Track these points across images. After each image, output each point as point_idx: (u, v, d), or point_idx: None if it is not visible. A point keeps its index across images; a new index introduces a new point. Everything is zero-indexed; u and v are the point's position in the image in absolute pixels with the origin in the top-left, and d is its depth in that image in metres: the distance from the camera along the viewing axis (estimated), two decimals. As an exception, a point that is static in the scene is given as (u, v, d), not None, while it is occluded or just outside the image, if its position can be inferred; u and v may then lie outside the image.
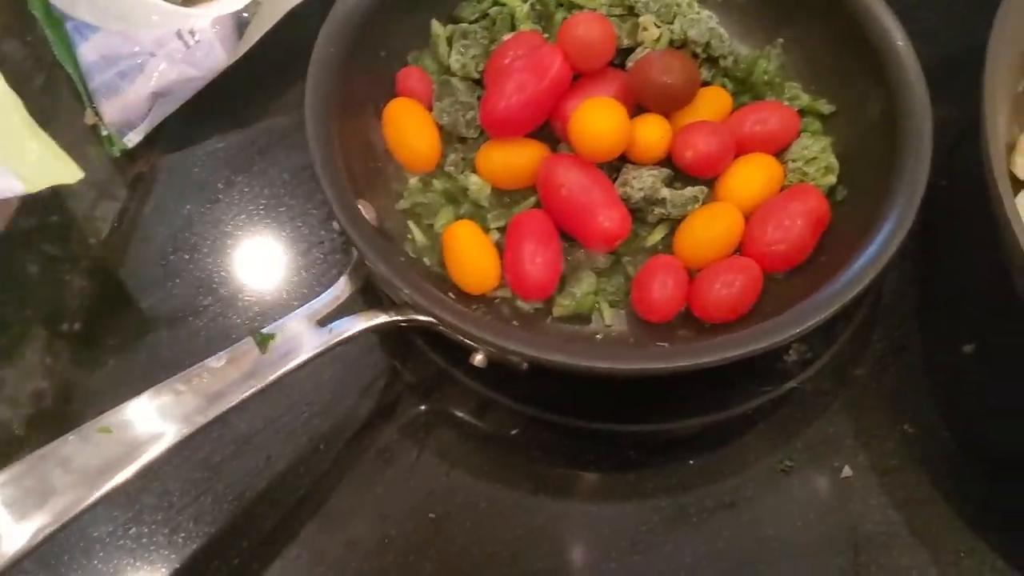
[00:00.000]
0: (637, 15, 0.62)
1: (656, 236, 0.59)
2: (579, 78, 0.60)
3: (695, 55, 0.62)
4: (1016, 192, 0.59)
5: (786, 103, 0.63)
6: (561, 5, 0.65)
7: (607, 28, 0.59)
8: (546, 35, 0.63)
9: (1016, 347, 0.58)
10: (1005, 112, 0.60)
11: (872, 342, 0.60)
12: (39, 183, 0.56)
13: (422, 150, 0.61)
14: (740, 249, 0.58)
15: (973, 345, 0.60)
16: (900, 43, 0.59)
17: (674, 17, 0.62)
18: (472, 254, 0.57)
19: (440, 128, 0.62)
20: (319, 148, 0.55)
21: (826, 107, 0.63)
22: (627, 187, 0.58)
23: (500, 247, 0.58)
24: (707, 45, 0.62)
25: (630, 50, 0.62)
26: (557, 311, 0.57)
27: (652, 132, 0.59)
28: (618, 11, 0.63)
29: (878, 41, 0.60)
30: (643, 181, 0.58)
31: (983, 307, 0.61)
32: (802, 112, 0.63)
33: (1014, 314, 0.54)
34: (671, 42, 0.62)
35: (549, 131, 0.60)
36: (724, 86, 0.63)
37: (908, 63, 0.59)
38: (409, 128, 0.61)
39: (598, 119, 0.57)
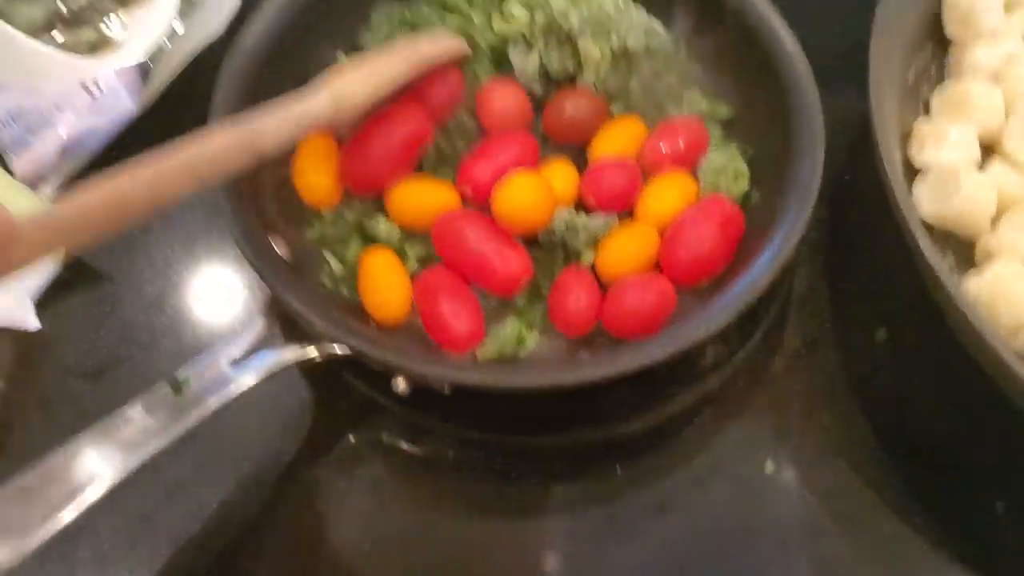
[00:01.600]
0: (573, 39, 0.62)
1: (588, 258, 0.60)
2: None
3: (636, 58, 0.63)
4: (914, 177, 0.61)
5: (686, 107, 0.64)
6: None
7: (522, 98, 0.62)
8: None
9: (927, 331, 0.59)
10: (895, 102, 0.61)
11: (786, 337, 0.61)
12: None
13: (325, 188, 0.60)
14: (659, 265, 0.59)
15: (886, 331, 0.61)
16: (788, 44, 0.61)
17: (609, 31, 0.62)
18: (386, 284, 0.57)
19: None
20: (225, 188, 0.56)
21: (724, 110, 0.64)
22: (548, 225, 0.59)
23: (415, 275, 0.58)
24: (648, 46, 0.63)
25: (577, 73, 0.63)
26: (482, 354, 0.56)
27: (559, 184, 0.60)
28: (555, 40, 0.63)
29: (766, 43, 0.62)
30: (559, 214, 0.59)
31: (893, 294, 0.62)
32: (703, 117, 0.64)
33: (922, 298, 0.56)
34: (614, 56, 0.62)
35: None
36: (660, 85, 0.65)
37: (796, 64, 0.60)
38: (310, 167, 0.60)
39: (525, 196, 0.57)
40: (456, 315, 0.55)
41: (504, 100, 0.62)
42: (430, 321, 0.56)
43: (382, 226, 0.59)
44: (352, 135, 0.59)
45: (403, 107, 0.59)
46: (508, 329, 0.57)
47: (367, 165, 0.58)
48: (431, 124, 0.59)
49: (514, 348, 0.57)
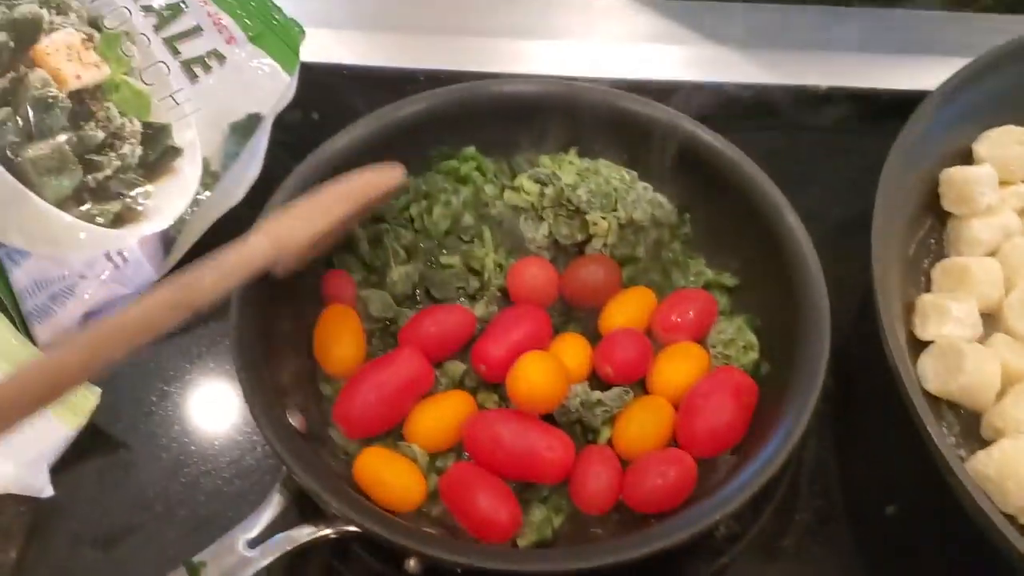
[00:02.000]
0: (584, 212, 0.65)
1: (605, 435, 0.61)
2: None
3: (643, 228, 0.66)
4: (918, 352, 0.62)
5: (691, 277, 0.66)
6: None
7: (551, 274, 0.64)
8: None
9: (936, 504, 0.60)
10: (897, 276, 0.63)
11: (797, 510, 0.61)
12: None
13: (348, 359, 0.62)
14: (675, 438, 0.60)
15: (895, 507, 0.61)
16: (789, 218, 0.63)
17: (616, 204, 0.65)
18: (392, 479, 0.57)
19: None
20: (245, 367, 0.57)
21: (729, 280, 0.66)
22: (564, 402, 0.60)
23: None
24: (654, 217, 0.65)
25: (586, 241, 0.66)
26: (523, 543, 0.57)
27: (572, 360, 0.61)
28: (564, 213, 0.66)
29: (768, 217, 0.64)
30: (574, 391, 0.60)
31: (901, 467, 0.63)
32: (707, 286, 0.66)
33: (930, 471, 0.56)
34: (621, 226, 0.65)
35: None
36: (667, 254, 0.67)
37: (798, 238, 0.62)
38: (333, 340, 0.62)
39: (538, 375, 0.58)
40: (495, 508, 0.56)
41: (534, 277, 0.64)
42: (467, 515, 0.56)
43: (417, 451, 0.59)
44: (350, 379, 0.60)
45: (403, 351, 0.60)
46: (538, 515, 0.57)
47: (365, 412, 0.59)
48: (431, 369, 0.61)
49: (552, 532, 0.58)
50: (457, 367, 0.62)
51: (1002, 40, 0.70)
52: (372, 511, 0.54)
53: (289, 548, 0.53)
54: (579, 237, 0.66)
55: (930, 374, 0.60)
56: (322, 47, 0.80)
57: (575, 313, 0.66)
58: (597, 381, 0.62)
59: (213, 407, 0.66)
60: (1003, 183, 0.68)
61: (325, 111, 0.80)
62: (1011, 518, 0.55)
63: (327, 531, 0.53)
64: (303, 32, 0.73)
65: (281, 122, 0.73)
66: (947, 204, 0.68)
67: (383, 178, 0.62)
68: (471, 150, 0.71)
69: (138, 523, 0.61)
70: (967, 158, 0.70)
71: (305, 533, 0.54)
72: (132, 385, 0.67)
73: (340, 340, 0.62)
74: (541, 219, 0.66)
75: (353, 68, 0.83)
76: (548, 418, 0.60)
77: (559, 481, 0.58)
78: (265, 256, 0.54)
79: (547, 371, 0.59)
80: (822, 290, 0.60)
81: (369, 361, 0.62)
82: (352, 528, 0.53)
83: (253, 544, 0.53)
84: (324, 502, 0.53)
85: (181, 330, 0.67)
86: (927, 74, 0.71)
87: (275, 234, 0.55)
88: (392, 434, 0.60)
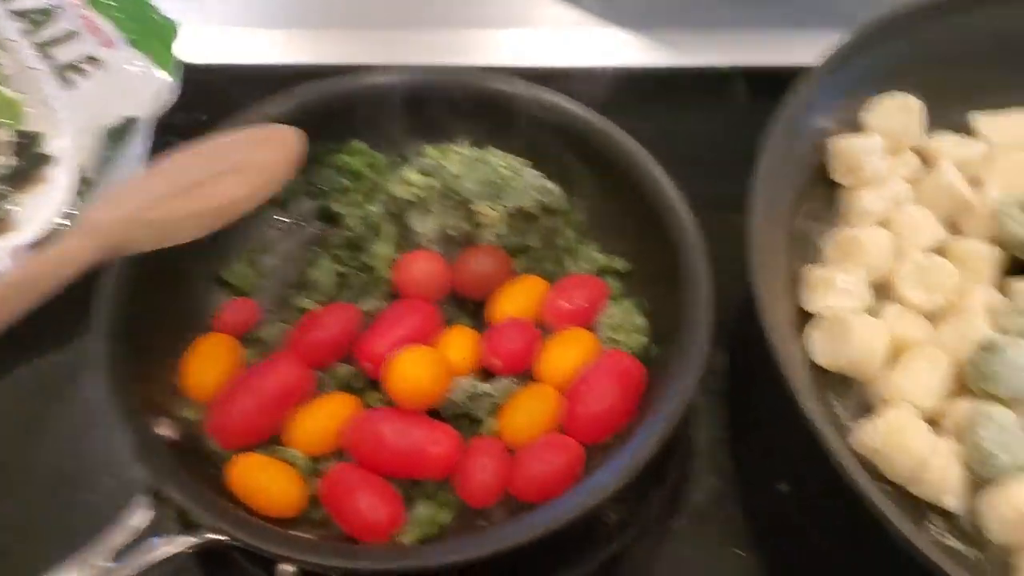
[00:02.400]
0: (470, 202, 0.63)
1: (491, 426, 0.59)
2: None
3: (533, 216, 0.64)
4: (804, 323, 0.61)
5: (584, 264, 0.65)
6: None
7: (440, 267, 0.63)
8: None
9: (827, 481, 0.58)
10: (784, 249, 0.62)
11: (690, 491, 0.60)
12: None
13: (206, 387, 0.59)
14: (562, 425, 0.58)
15: (787, 484, 0.60)
16: (673, 199, 0.62)
17: (503, 194, 0.63)
18: (269, 485, 0.56)
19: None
20: (110, 377, 0.55)
21: (621, 264, 0.65)
22: (449, 396, 0.58)
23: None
24: (543, 204, 0.64)
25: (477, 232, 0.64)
26: (407, 539, 0.55)
27: (458, 353, 0.60)
28: (451, 203, 0.64)
29: (653, 199, 0.63)
30: (460, 384, 0.59)
31: (793, 443, 0.61)
32: (601, 272, 0.65)
33: (820, 449, 0.55)
34: (510, 216, 0.63)
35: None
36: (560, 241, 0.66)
37: (683, 219, 0.61)
38: (196, 367, 0.60)
39: (416, 371, 0.57)
40: (373, 507, 0.54)
41: (422, 271, 0.63)
42: (345, 516, 0.55)
43: (297, 456, 0.57)
44: (223, 389, 0.58)
45: (279, 357, 0.59)
46: (423, 512, 0.56)
47: (239, 422, 0.57)
48: (310, 374, 0.59)
49: (438, 529, 0.56)
50: (344, 369, 0.60)
51: (886, 10, 0.69)
52: (237, 518, 0.52)
53: (159, 557, 0.51)
54: (467, 228, 0.64)
55: (818, 347, 0.59)
56: (209, 46, 0.79)
57: (467, 306, 0.64)
58: (488, 372, 0.61)
59: (91, 423, 0.64)
60: (892, 152, 0.67)
61: (213, 112, 0.77)
62: (901, 488, 0.54)
63: (192, 539, 0.52)
64: (176, 31, 0.71)
65: (168, 125, 0.72)
66: (836, 175, 0.67)
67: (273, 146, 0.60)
68: (358, 144, 0.69)
69: (7, 544, 0.59)
70: (857, 128, 0.69)
71: (175, 542, 0.52)
72: (5, 404, 0.65)
73: (208, 372, 0.60)
74: (429, 211, 0.65)
75: (241, 67, 0.81)
76: (435, 414, 0.58)
77: (446, 475, 0.57)
78: (83, 259, 0.49)
79: (424, 365, 0.57)
80: (703, 265, 0.59)
81: (243, 370, 0.60)
82: (217, 536, 0.51)
83: (119, 555, 0.51)
84: (187, 510, 0.51)
85: (56, 346, 0.67)
86: (819, 48, 0.70)
87: (95, 228, 0.51)
88: (272, 440, 0.58)
